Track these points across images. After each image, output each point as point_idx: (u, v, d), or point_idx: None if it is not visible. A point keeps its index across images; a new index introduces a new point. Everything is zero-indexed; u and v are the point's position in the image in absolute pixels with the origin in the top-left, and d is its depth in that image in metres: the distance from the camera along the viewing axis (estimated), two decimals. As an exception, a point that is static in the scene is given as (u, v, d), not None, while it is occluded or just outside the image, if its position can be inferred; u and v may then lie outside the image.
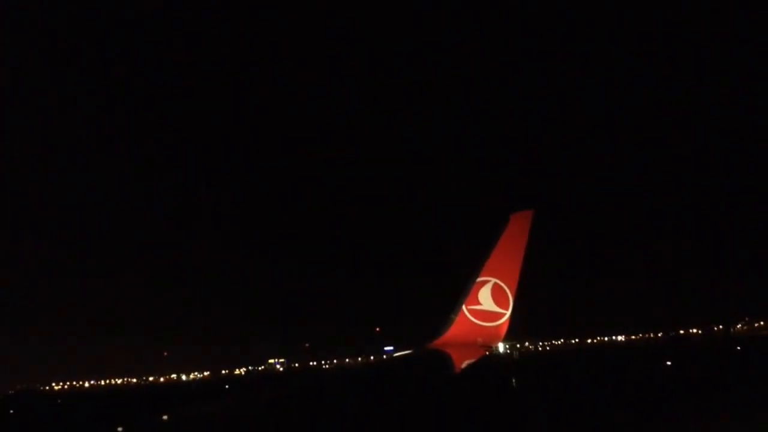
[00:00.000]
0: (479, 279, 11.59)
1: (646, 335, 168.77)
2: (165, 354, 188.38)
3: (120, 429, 5.88)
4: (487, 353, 11.05)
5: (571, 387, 32.95)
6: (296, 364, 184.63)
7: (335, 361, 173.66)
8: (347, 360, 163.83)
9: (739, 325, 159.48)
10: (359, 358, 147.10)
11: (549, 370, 49.29)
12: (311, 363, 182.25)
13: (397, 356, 12.95)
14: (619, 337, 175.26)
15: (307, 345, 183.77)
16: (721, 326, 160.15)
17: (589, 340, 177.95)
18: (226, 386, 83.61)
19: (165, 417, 6.57)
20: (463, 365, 10.10)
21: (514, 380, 10.33)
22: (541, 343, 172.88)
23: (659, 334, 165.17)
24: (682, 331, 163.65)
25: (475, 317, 11.56)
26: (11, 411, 72.93)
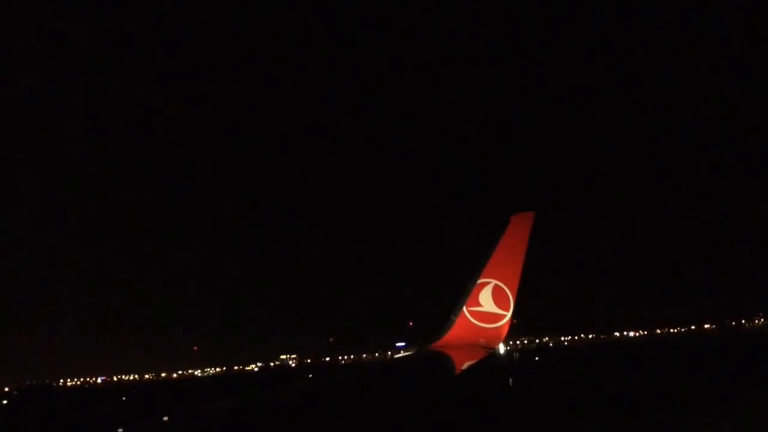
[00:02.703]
0: (480, 280, 11.57)
1: (663, 330, 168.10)
2: (195, 349, 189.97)
3: (120, 430, 5.98)
4: (488, 355, 11.06)
5: (571, 388, 32.74)
6: (308, 360, 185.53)
7: (352, 356, 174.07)
8: (364, 355, 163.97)
9: (756, 321, 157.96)
10: (376, 353, 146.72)
11: (550, 371, 48.99)
12: (324, 359, 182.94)
13: (397, 358, 13.00)
14: (632, 333, 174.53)
15: (331, 339, 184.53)
16: (743, 320, 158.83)
17: (601, 336, 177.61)
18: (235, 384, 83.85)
19: (165, 418, 6.69)
20: (464, 367, 10.12)
21: (513, 381, 10.33)
22: (563, 338, 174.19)
23: (677, 330, 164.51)
24: (693, 327, 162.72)
25: (475, 319, 11.55)
26: (21, 407, 73.89)
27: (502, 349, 11.68)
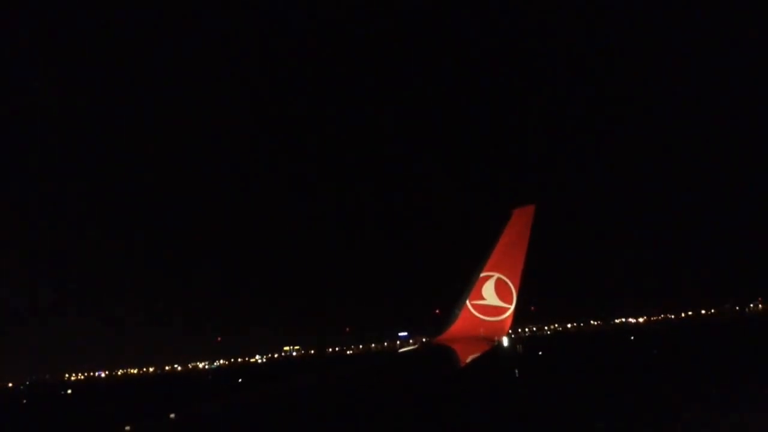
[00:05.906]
0: (482, 274, 11.62)
1: (666, 316, 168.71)
2: (219, 339, 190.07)
3: (128, 428, 6.01)
4: (492, 347, 11.11)
5: (574, 379, 32.78)
6: (312, 351, 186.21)
7: (361, 346, 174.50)
8: (373, 345, 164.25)
9: (758, 305, 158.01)
10: (385, 343, 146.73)
11: (553, 362, 48.97)
12: (327, 350, 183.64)
13: (402, 351, 13.06)
14: (631, 320, 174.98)
15: (347, 329, 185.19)
16: (751, 305, 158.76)
17: (605, 323, 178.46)
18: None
19: (172, 415, 6.72)
20: (469, 359, 10.18)
21: (517, 373, 10.39)
22: (569, 325, 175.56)
23: (678, 315, 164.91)
24: (690, 312, 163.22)
25: (479, 312, 11.60)
26: (24, 402, 74.09)
27: (505, 341, 11.73)
